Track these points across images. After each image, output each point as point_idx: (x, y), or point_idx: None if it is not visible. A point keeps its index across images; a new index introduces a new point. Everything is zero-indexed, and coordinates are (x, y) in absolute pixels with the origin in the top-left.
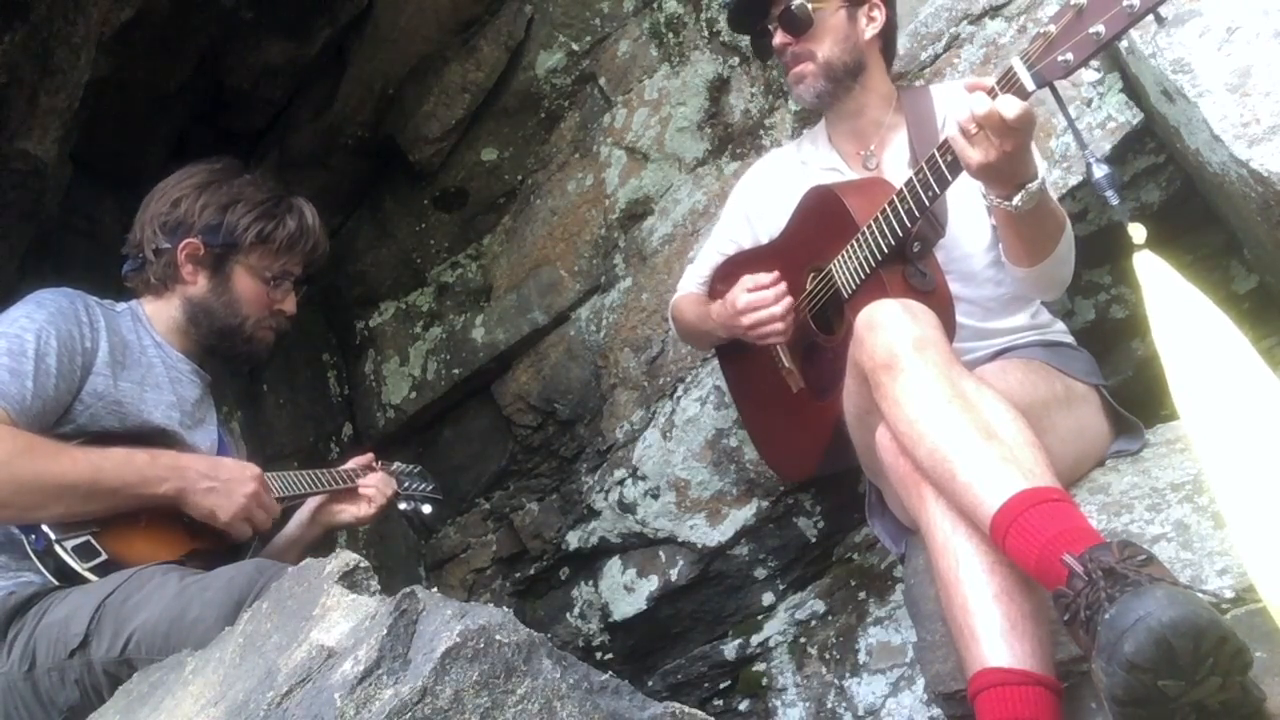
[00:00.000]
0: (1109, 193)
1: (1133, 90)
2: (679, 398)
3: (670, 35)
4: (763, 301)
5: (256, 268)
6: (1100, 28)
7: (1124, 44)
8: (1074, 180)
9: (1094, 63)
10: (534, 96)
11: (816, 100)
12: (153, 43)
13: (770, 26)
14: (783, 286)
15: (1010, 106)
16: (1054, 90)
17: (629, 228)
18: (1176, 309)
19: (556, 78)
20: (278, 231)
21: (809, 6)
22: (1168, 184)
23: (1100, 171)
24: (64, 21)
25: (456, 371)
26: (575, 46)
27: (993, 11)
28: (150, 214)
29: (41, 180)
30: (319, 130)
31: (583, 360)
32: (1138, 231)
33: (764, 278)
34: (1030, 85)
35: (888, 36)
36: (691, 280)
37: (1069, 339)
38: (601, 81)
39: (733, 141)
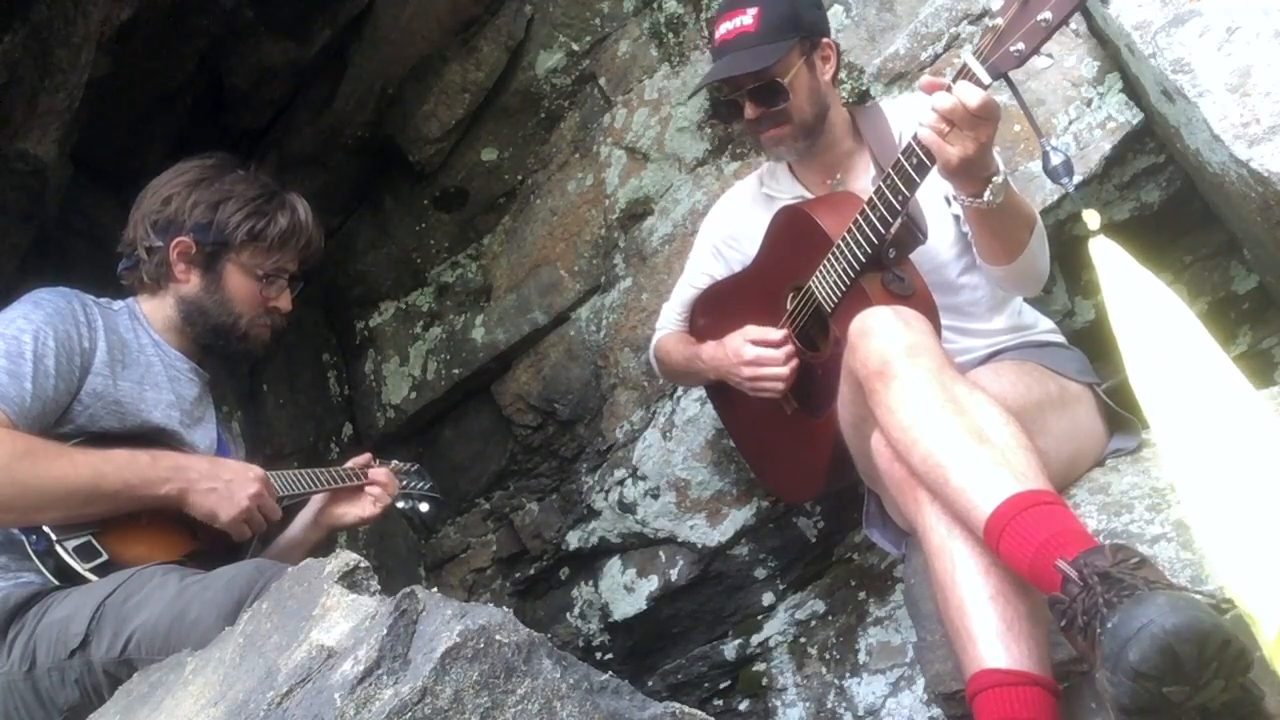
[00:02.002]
0: (1064, 180)
1: (1133, 90)
2: (679, 398)
3: (670, 35)
4: (771, 360)
5: (249, 265)
6: (1047, 14)
7: (1124, 44)
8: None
9: (1045, 49)
10: (534, 96)
11: (797, 157)
12: (153, 42)
13: (740, 100)
14: (790, 348)
15: (971, 94)
16: (1009, 81)
17: (629, 228)
18: (1133, 293)
19: (556, 78)
20: (269, 229)
21: (781, 81)
22: (1168, 184)
23: (1057, 159)
24: (64, 21)
25: (456, 371)
26: (575, 46)
27: (993, 12)
28: (142, 212)
29: (41, 180)
30: (319, 130)
31: (583, 360)
32: (1092, 218)
33: (772, 334)
34: (986, 79)
35: (837, 67)
36: (670, 318)
37: (1059, 338)
38: (601, 81)
39: (733, 141)
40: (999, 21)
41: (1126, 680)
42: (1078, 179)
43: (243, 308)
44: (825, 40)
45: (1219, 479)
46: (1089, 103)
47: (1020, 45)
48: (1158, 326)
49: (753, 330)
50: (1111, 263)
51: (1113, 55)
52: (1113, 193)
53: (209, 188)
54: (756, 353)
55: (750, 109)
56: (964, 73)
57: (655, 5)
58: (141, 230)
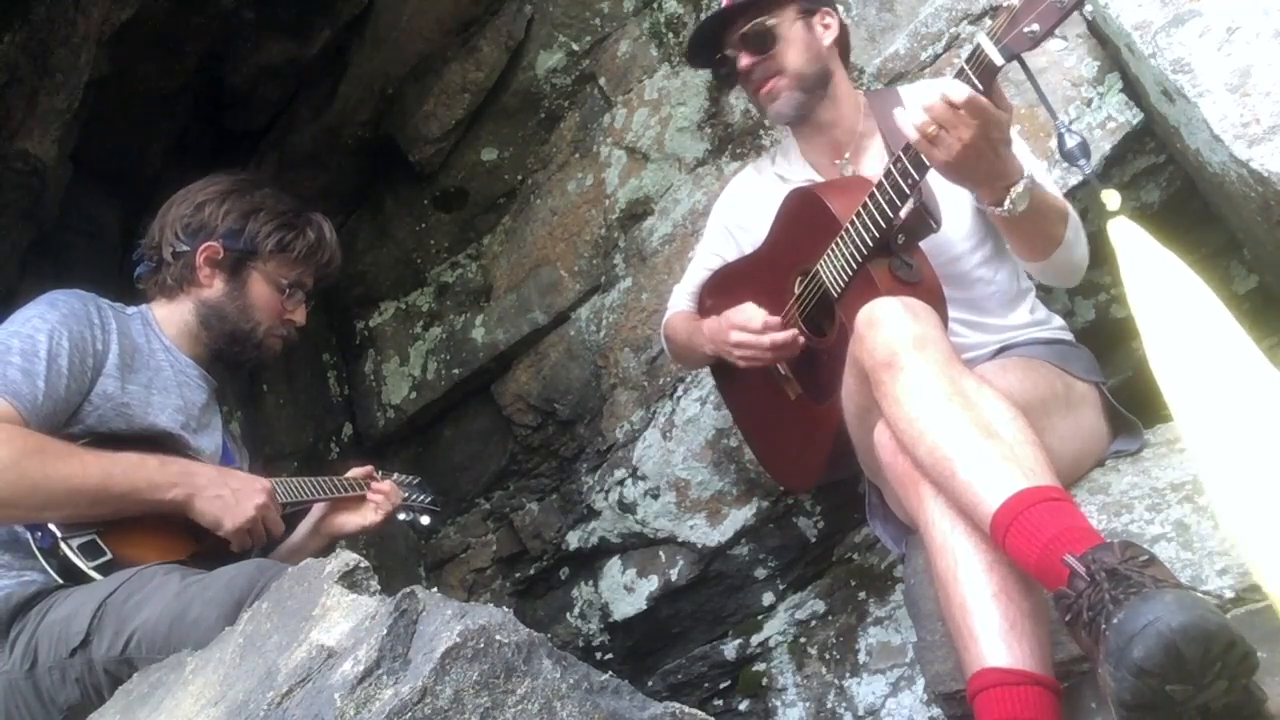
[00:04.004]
0: (1081, 162)
1: (1133, 90)
2: (679, 398)
3: (670, 35)
4: (749, 325)
5: (273, 275)
6: None
7: (1124, 44)
8: (1074, 180)
9: (1059, 31)
10: (534, 96)
11: (795, 112)
12: (153, 43)
13: (730, 53)
14: (776, 319)
15: (956, 90)
16: (1023, 63)
17: (629, 228)
18: (1152, 273)
19: (556, 78)
20: (298, 241)
21: (768, 22)
22: (1168, 184)
23: (1073, 141)
24: (64, 21)
25: (456, 371)
26: (575, 46)
27: (993, 11)
28: (172, 216)
29: (41, 180)
30: (319, 130)
31: (583, 360)
32: (1111, 198)
33: (766, 317)
34: (999, 60)
35: (844, 43)
36: (680, 298)
37: (1068, 336)
38: (601, 81)
39: (733, 141)
40: (1014, 2)
41: (1130, 676)
42: (1077, 179)
43: (262, 316)
44: (825, 9)
45: (1244, 462)
46: (1089, 103)
47: (1035, 26)
48: (1179, 308)
49: (750, 306)
50: (1131, 244)
51: (1113, 55)
52: None
53: (242, 198)
54: (744, 319)
55: (743, 58)
56: (977, 53)
57: (655, 5)
58: (170, 234)
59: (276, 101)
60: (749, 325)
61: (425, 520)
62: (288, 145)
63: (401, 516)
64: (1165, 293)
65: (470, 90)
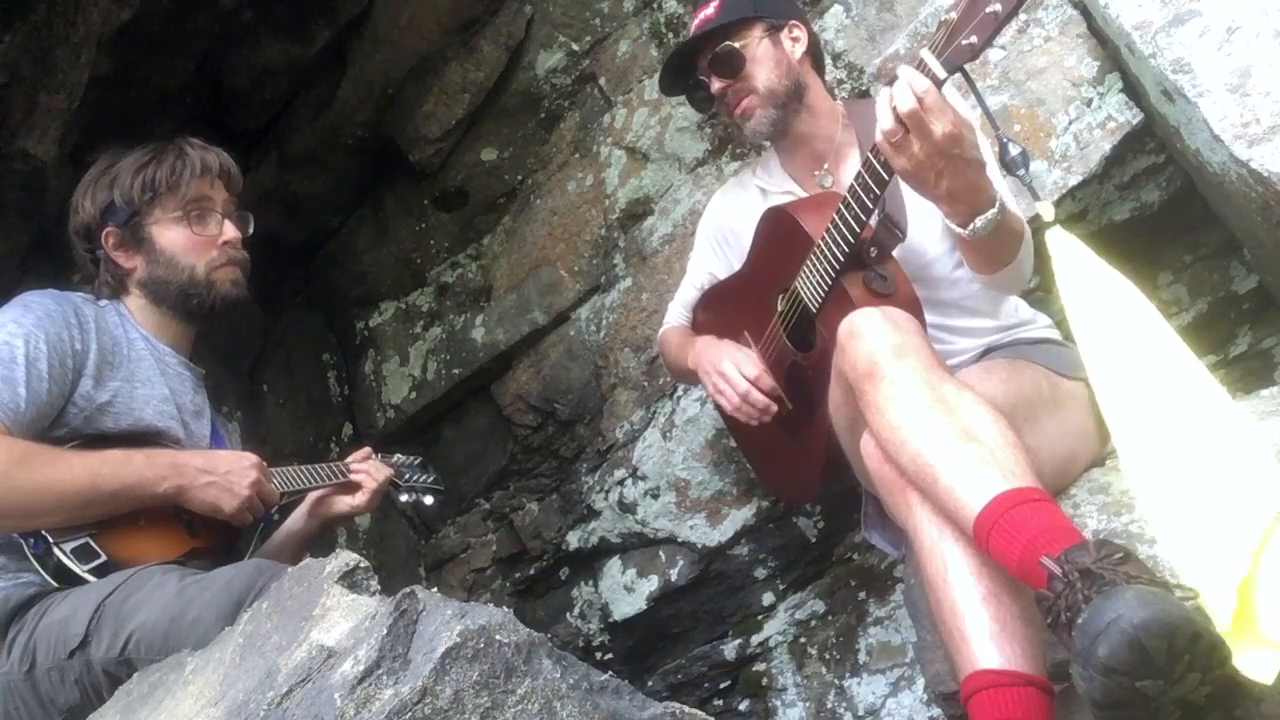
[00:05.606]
0: (1020, 171)
1: (1133, 90)
2: (679, 397)
3: (670, 35)
4: (735, 384)
5: (166, 217)
6: (996, 6)
7: (1124, 44)
8: (1074, 180)
9: (998, 41)
10: (534, 96)
11: (771, 129)
12: (153, 43)
13: (703, 78)
14: (758, 394)
15: (918, 80)
16: (966, 75)
17: (629, 228)
18: (1089, 283)
19: (556, 78)
20: (159, 172)
21: (735, 45)
22: (1168, 184)
23: (1014, 150)
24: (64, 21)
25: (456, 371)
26: (575, 46)
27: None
28: (71, 232)
29: (41, 180)
30: (319, 130)
31: (583, 360)
32: (1046, 209)
33: (750, 368)
34: (941, 73)
35: (815, 53)
36: (675, 314)
37: (1055, 334)
38: (601, 81)
39: (733, 141)
40: (951, 16)
41: (1098, 676)
42: (1077, 179)
43: (189, 257)
44: (793, 21)
45: (1178, 474)
46: (1089, 103)
47: (973, 38)
48: (1116, 318)
49: (743, 357)
50: (1068, 254)
51: (1113, 55)
52: (1113, 193)
53: (100, 179)
54: (730, 372)
55: (715, 83)
56: (920, 67)
57: (655, 5)
58: (79, 248)
59: (276, 101)
60: (732, 378)
61: (429, 500)
62: (288, 145)
63: (404, 498)
64: (1102, 303)
65: (470, 90)
